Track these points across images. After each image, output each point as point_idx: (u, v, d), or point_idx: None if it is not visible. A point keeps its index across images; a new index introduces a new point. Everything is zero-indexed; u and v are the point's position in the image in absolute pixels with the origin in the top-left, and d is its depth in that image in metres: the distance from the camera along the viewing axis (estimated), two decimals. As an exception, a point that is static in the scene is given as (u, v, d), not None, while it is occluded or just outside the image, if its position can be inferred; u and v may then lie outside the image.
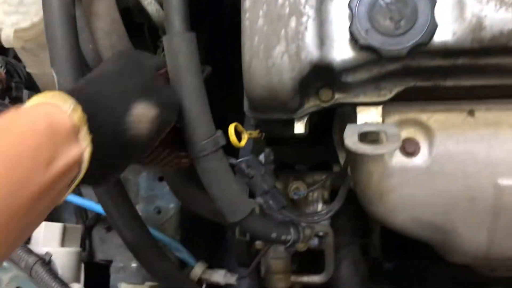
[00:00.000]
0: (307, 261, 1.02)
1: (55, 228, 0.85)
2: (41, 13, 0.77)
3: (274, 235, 0.76)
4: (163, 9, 0.76)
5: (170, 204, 0.96)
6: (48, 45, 0.65)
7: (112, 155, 0.51)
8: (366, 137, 0.69)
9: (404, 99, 0.71)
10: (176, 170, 0.82)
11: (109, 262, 0.97)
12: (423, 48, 0.61)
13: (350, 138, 0.63)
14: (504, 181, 0.72)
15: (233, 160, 0.72)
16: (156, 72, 0.61)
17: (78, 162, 0.46)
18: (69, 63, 0.65)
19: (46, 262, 0.79)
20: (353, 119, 0.79)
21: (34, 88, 0.96)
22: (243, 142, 0.71)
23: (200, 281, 0.93)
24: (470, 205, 0.76)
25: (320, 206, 0.92)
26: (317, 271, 1.02)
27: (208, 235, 1.09)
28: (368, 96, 0.69)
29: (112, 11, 0.73)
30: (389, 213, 0.80)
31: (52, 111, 0.45)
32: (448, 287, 1.24)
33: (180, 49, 0.63)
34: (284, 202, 0.75)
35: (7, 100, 0.91)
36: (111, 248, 0.97)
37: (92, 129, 0.46)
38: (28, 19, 0.76)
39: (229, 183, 0.68)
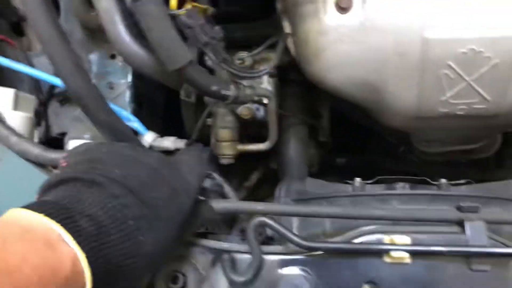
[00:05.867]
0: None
1: (7, 92, 0.87)
2: None
3: (214, 87, 0.79)
4: None
5: (122, 80, 0.99)
6: None
7: None
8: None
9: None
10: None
11: (65, 134, 1.00)
12: None
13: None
14: (430, 34, 0.76)
15: (171, 11, 0.74)
16: None
17: None
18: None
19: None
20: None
21: None
22: (182, 12, 0.73)
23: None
24: (399, 61, 0.79)
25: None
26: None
27: (161, 113, 1.12)
28: None
29: None
30: (325, 72, 0.84)
31: None
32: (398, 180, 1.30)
33: None
34: (226, 56, 0.78)
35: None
36: (66, 121, 1.00)
37: None
38: None
39: (167, 29, 0.71)
